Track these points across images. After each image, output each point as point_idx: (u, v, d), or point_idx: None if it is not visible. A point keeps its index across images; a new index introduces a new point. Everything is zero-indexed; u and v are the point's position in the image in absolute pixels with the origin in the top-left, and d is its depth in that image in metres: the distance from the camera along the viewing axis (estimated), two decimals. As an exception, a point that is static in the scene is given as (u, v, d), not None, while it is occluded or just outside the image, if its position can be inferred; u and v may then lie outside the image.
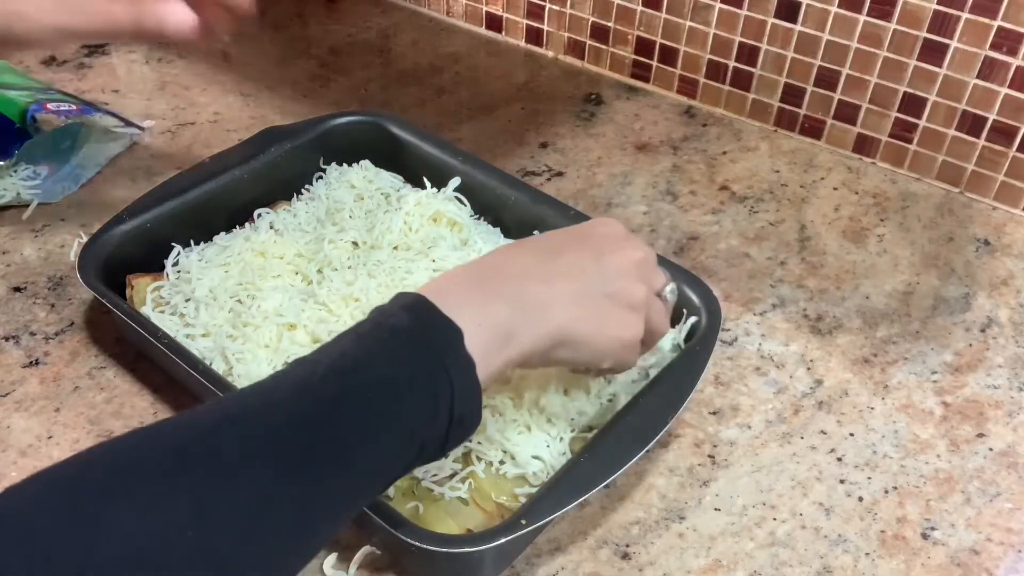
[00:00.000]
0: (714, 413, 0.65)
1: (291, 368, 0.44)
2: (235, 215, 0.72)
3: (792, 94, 0.89)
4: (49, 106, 0.81)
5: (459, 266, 0.51)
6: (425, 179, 0.74)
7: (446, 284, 0.49)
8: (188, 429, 0.40)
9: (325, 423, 0.41)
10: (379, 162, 0.77)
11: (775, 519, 0.58)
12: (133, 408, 0.64)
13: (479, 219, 0.73)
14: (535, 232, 0.70)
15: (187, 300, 0.64)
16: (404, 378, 0.44)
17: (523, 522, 0.49)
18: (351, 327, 0.46)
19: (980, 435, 0.64)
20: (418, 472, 0.55)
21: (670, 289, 0.57)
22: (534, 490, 0.54)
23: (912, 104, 0.83)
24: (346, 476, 0.42)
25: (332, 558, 0.55)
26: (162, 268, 0.67)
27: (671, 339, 0.63)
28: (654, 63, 0.96)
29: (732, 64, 0.91)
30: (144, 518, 0.35)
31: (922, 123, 0.84)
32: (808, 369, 0.68)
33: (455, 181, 0.73)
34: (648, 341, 0.56)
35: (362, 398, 0.43)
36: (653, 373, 0.61)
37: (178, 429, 0.40)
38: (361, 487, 0.43)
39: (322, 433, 0.41)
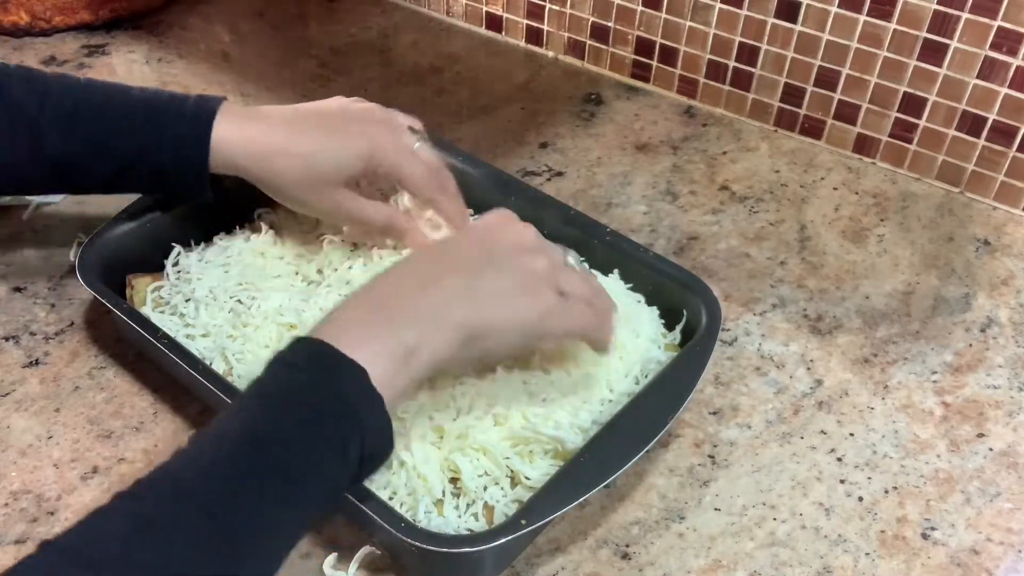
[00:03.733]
0: (714, 413, 0.65)
1: (199, 444, 0.44)
2: (235, 215, 0.72)
3: (792, 94, 0.89)
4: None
5: (353, 294, 0.52)
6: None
7: (342, 320, 0.50)
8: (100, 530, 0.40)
9: (239, 502, 0.42)
10: (379, 162, 0.77)
11: (775, 519, 0.58)
12: (133, 408, 0.64)
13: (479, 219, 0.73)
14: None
15: (187, 300, 0.64)
16: (314, 438, 0.45)
17: (523, 522, 0.49)
18: (255, 383, 0.47)
19: (980, 435, 0.64)
20: None
21: (572, 258, 0.57)
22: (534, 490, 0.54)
23: (912, 104, 0.83)
24: (261, 543, 0.43)
25: (332, 558, 0.55)
26: (162, 268, 0.67)
27: (655, 341, 0.63)
28: (654, 63, 0.96)
29: (732, 64, 0.91)
30: None
31: (922, 123, 0.84)
32: (808, 369, 0.68)
33: None
34: (595, 303, 0.56)
35: (275, 469, 0.44)
36: (652, 374, 0.61)
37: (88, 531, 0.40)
38: (277, 547, 0.44)
39: (237, 509, 0.42)
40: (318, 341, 0.47)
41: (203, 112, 0.62)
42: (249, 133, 0.62)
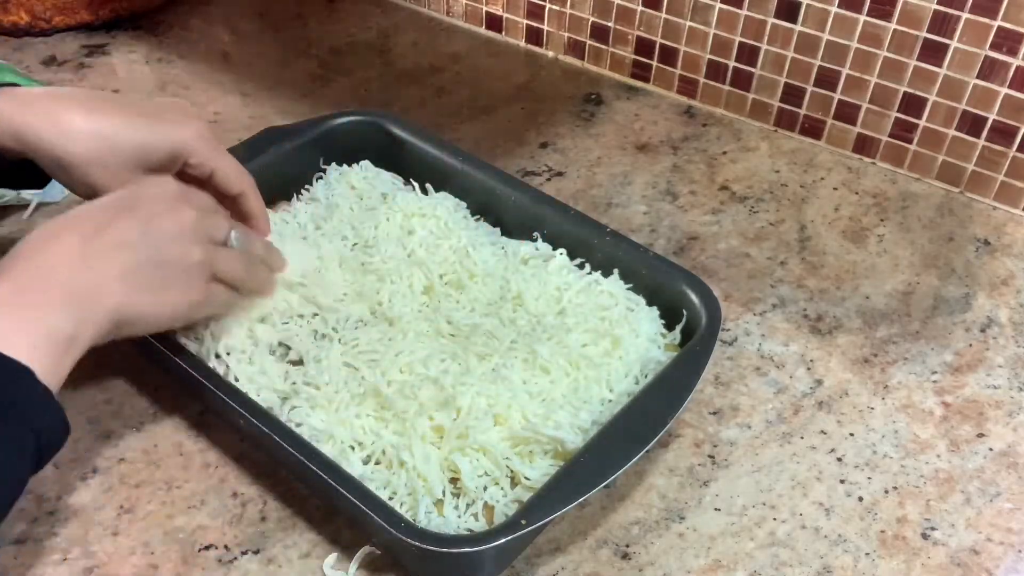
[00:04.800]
0: (714, 413, 0.65)
1: None
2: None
3: (792, 94, 0.89)
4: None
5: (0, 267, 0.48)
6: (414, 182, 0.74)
7: None
8: None
9: None
10: (379, 162, 0.77)
11: (775, 519, 0.58)
12: (133, 408, 0.64)
13: (479, 219, 0.73)
14: (535, 234, 0.70)
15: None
16: None
17: (523, 522, 0.49)
18: None
19: (980, 435, 0.64)
20: None
21: (234, 237, 0.57)
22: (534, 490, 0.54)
23: (912, 104, 0.83)
24: None
25: (332, 558, 0.55)
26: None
27: (655, 341, 0.63)
28: (654, 63, 0.96)
29: (732, 64, 0.91)
30: None
31: (922, 123, 0.84)
32: (808, 369, 0.68)
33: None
34: (239, 288, 0.57)
35: None
36: (652, 374, 0.61)
37: None
38: None
39: None
40: None
41: None
42: (32, 108, 0.56)
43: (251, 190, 0.63)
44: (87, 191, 0.58)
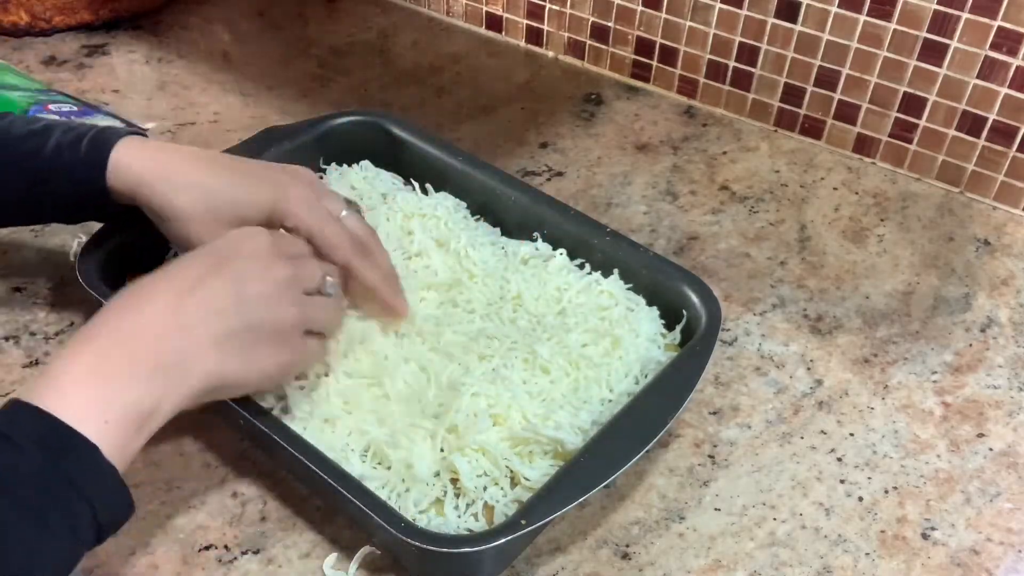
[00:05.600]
0: (714, 413, 0.65)
1: None
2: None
3: (792, 94, 0.89)
4: (50, 107, 0.81)
5: (79, 338, 0.46)
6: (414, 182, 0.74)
7: (70, 379, 0.44)
8: None
9: None
10: (379, 162, 0.77)
11: (775, 519, 0.58)
12: (133, 408, 0.64)
13: (479, 219, 0.73)
14: (535, 234, 0.70)
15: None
16: (40, 528, 0.41)
17: (523, 522, 0.49)
18: None
19: (980, 435, 0.64)
20: None
21: (329, 284, 0.56)
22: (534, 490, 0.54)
23: (912, 104, 0.83)
24: None
25: (332, 558, 0.55)
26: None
27: (655, 341, 0.63)
28: (654, 63, 0.96)
29: (732, 64, 0.91)
30: None
31: (922, 123, 0.84)
32: (808, 369, 0.68)
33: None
34: (326, 333, 0.57)
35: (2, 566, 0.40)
36: (652, 374, 0.61)
37: None
38: None
39: None
40: (39, 412, 0.43)
41: (104, 137, 0.59)
42: (149, 158, 0.59)
43: (358, 259, 0.60)
44: (183, 243, 0.59)
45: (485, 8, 1.05)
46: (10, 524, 0.41)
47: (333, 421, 0.57)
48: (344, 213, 0.61)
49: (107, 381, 0.45)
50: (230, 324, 0.49)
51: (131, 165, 0.58)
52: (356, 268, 0.60)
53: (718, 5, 0.88)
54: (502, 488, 0.55)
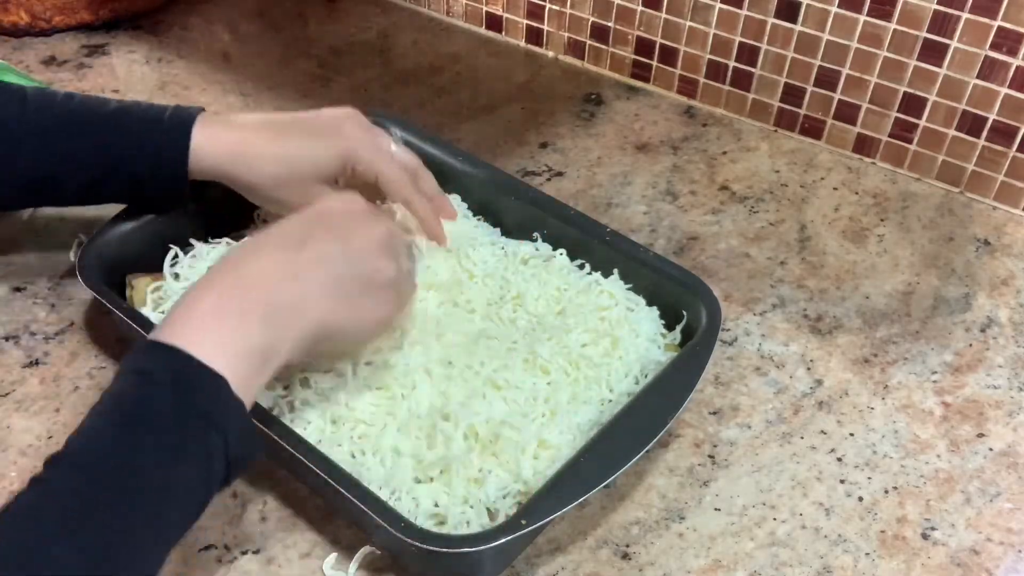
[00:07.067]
0: (714, 413, 0.65)
1: (58, 469, 0.43)
2: (235, 215, 0.72)
3: (792, 94, 0.89)
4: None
5: (208, 276, 0.50)
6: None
7: (196, 320, 0.47)
8: None
9: (104, 533, 0.41)
10: (379, 162, 0.77)
11: (775, 519, 0.58)
12: (133, 408, 0.64)
13: (479, 219, 0.73)
14: (535, 234, 0.70)
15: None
16: (178, 459, 0.44)
17: (523, 522, 0.49)
18: (110, 396, 0.46)
19: (980, 435, 0.64)
20: None
21: (415, 252, 0.61)
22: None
23: (912, 104, 0.83)
24: (132, 567, 0.42)
25: (332, 558, 0.55)
26: (162, 268, 0.67)
27: (655, 341, 0.63)
28: (654, 63, 0.96)
29: (732, 64, 0.91)
30: None
31: (922, 123, 0.84)
32: (808, 369, 0.68)
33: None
34: (406, 293, 0.59)
35: (140, 492, 0.43)
36: (652, 374, 0.61)
37: None
38: (152, 554, 0.44)
39: (101, 539, 0.41)
40: (173, 350, 0.46)
41: (181, 120, 0.63)
42: (228, 139, 0.63)
43: (414, 195, 0.65)
44: (275, 207, 0.66)
45: (485, 8, 1.05)
46: (151, 455, 0.44)
47: (334, 421, 0.57)
48: (394, 148, 0.66)
49: (231, 321, 0.48)
50: (338, 274, 0.52)
51: (211, 147, 0.63)
52: (414, 203, 0.65)
53: (718, 5, 0.88)
54: (502, 488, 0.54)
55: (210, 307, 0.48)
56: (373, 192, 0.66)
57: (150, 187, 0.64)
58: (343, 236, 0.53)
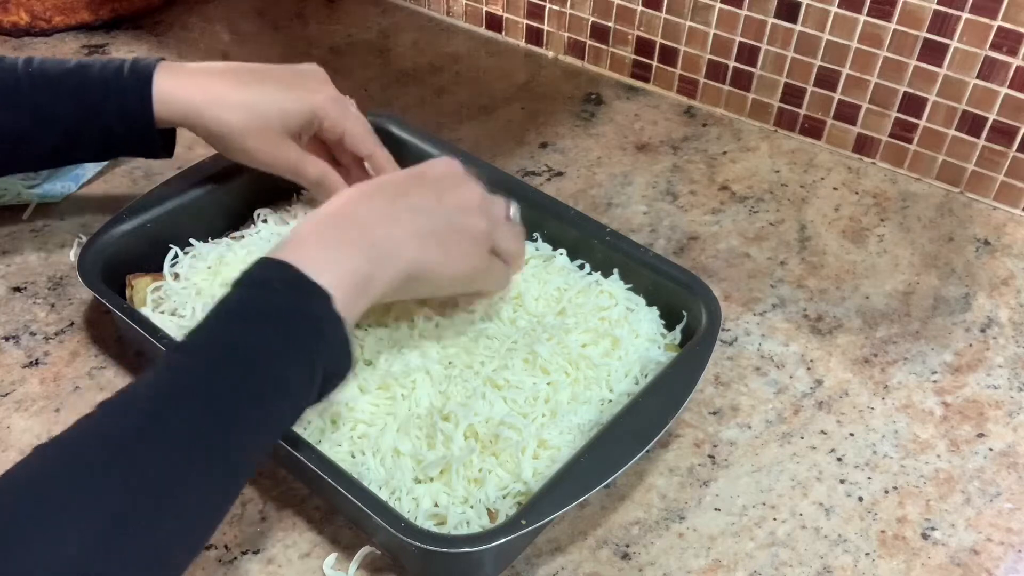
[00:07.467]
0: (714, 413, 0.65)
1: (176, 359, 0.47)
2: (235, 215, 0.72)
3: (792, 94, 0.89)
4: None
5: (311, 218, 0.54)
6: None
7: (307, 243, 0.52)
8: (96, 441, 0.42)
9: (217, 419, 0.44)
10: (379, 162, 0.77)
11: (775, 519, 0.58)
12: (133, 408, 0.64)
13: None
14: (535, 234, 0.70)
15: (186, 301, 0.64)
16: (289, 355, 0.47)
17: (523, 522, 0.49)
18: (224, 303, 0.49)
19: (980, 435, 0.64)
20: None
21: (514, 212, 0.61)
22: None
23: (912, 104, 0.83)
24: (236, 454, 0.45)
25: (332, 558, 0.55)
26: (162, 268, 0.67)
27: (655, 341, 0.63)
28: (654, 63, 0.96)
29: (732, 64, 0.91)
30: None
31: (922, 123, 0.84)
32: (808, 369, 0.68)
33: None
34: (512, 263, 0.61)
35: (253, 383, 0.46)
36: (652, 374, 0.61)
37: (85, 440, 0.42)
38: (247, 461, 0.47)
39: (215, 423, 0.44)
40: (285, 264, 0.49)
41: (141, 69, 0.64)
42: (191, 83, 0.64)
43: (379, 150, 0.69)
44: (243, 156, 0.66)
45: (485, 8, 1.05)
46: (268, 348, 0.47)
47: (333, 421, 0.57)
48: (353, 109, 0.69)
49: (336, 247, 0.52)
50: (432, 222, 0.56)
51: (175, 93, 0.64)
52: (377, 156, 0.69)
53: (718, 5, 0.88)
54: (502, 488, 0.54)
55: (317, 236, 0.52)
56: (330, 153, 0.70)
57: (122, 139, 0.65)
58: (439, 192, 0.57)
